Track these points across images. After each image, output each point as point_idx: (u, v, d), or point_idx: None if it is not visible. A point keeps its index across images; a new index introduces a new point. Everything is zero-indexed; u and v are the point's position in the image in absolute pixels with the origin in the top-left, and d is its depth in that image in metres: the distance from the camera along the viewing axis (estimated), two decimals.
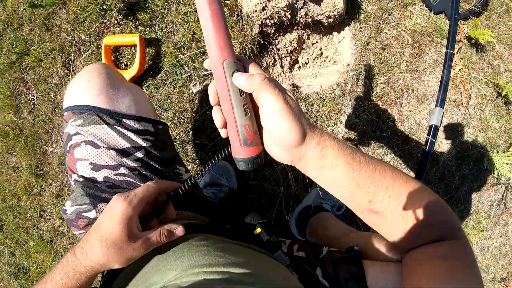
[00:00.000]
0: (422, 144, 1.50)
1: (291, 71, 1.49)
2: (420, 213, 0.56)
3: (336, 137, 0.59)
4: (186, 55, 1.34)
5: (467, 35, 1.50)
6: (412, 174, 1.49)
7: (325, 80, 1.48)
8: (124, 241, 0.59)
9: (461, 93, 1.51)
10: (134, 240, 0.60)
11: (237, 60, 0.56)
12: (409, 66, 1.46)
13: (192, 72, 1.35)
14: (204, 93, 1.36)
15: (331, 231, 1.13)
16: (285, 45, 1.42)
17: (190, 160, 1.39)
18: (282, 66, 1.48)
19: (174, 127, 1.38)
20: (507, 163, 1.51)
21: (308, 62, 1.49)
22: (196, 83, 1.35)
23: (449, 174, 1.55)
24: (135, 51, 1.32)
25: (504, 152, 1.56)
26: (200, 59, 1.34)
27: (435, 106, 1.50)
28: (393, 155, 1.48)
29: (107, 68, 0.79)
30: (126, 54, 1.39)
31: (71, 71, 1.42)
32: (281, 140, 0.55)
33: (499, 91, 1.52)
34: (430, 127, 1.49)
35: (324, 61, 1.50)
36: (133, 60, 1.37)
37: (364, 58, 1.43)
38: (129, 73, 1.33)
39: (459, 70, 1.50)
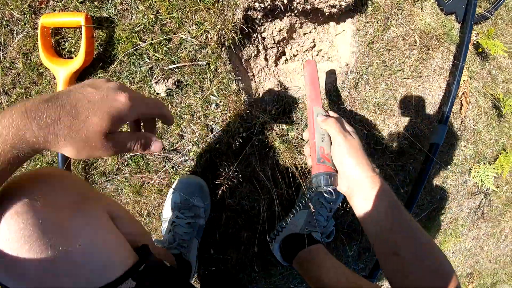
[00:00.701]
0: (418, 160, 1.34)
1: (276, 65, 1.22)
2: (436, 267, 0.65)
3: (383, 181, 0.74)
4: (147, 42, 1.02)
5: (475, 42, 1.32)
6: (404, 189, 1.35)
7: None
8: (100, 135, 0.49)
9: (461, 105, 1.34)
10: (109, 139, 0.50)
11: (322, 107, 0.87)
12: (413, 72, 1.25)
13: (154, 64, 1.04)
14: (168, 93, 1.06)
15: (324, 275, 0.99)
16: (272, 33, 1.14)
17: (152, 172, 1.11)
18: (266, 59, 1.20)
19: None
20: (493, 176, 1.41)
21: (297, 54, 1.23)
22: (159, 79, 1.04)
23: (437, 186, 1.42)
24: (81, 35, 0.97)
25: (490, 164, 1.47)
26: (165, 48, 1.02)
27: (438, 123, 1.33)
28: (385, 169, 1.31)
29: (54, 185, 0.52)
30: (70, 38, 1.04)
31: (1, 58, 1.04)
32: (343, 173, 0.76)
33: (496, 103, 1.40)
34: (431, 145, 1.33)
35: (317, 55, 1.24)
36: (78, 46, 1.02)
37: (367, 59, 1.19)
38: (73, 64, 0.99)
39: (463, 81, 1.32)
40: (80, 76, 1.04)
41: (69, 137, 0.46)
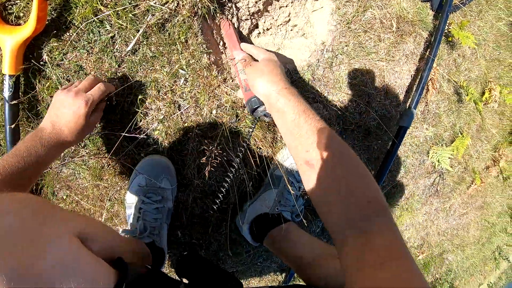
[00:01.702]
0: (383, 140, 1.33)
1: (248, 38, 1.12)
2: (353, 177, 0.60)
3: (296, 92, 0.78)
4: (109, 8, 0.87)
5: (446, 31, 1.31)
6: (369, 168, 1.35)
7: (291, 56, 1.15)
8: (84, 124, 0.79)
9: (428, 89, 1.34)
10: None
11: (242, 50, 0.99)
12: (387, 55, 1.22)
13: (116, 32, 0.90)
14: (131, 65, 0.93)
15: (300, 251, 0.98)
16: (248, 4, 1.03)
17: (112, 153, 0.99)
18: (239, 31, 1.09)
19: None
20: (449, 157, 1.45)
21: (271, 28, 1.13)
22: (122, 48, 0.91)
23: (396, 165, 1.45)
24: None
25: (447, 145, 1.52)
26: (131, 14, 0.89)
27: (408, 108, 1.32)
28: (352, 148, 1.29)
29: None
30: (18, 1, 0.86)
31: None
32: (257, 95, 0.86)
33: (458, 89, 1.42)
34: (400, 128, 1.32)
35: (291, 30, 1.15)
36: (28, 10, 0.85)
37: (343, 39, 1.13)
38: (22, 32, 0.83)
39: (432, 67, 1.31)
40: (30, 45, 0.87)
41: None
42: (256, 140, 1.09)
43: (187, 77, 0.97)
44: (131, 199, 1.00)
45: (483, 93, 1.57)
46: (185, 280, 0.84)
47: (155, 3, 0.89)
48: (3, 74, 0.86)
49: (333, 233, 0.60)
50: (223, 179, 1.10)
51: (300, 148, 0.68)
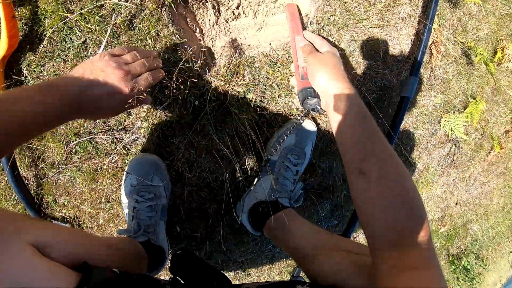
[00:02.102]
0: (387, 113, 1.25)
1: (227, 21, 1.08)
2: (402, 193, 0.59)
3: (357, 94, 0.72)
4: (75, 13, 0.86)
5: None
6: None
7: (275, 34, 1.10)
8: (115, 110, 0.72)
9: (432, 54, 1.24)
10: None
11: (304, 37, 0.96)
12: (380, 20, 1.13)
13: (87, 37, 0.90)
14: None
15: (297, 241, 0.94)
16: None
17: (103, 156, 1.00)
18: (216, 14, 1.05)
19: None
20: (463, 125, 1.35)
21: (250, 6, 1.08)
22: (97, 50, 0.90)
23: (407, 137, 1.36)
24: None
25: (459, 112, 1.40)
26: (97, 16, 0.88)
27: (409, 75, 1.23)
28: None
29: None
30: None
31: None
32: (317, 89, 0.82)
33: (466, 51, 1.30)
34: (402, 98, 1.24)
35: (273, 7, 1.09)
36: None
37: (328, 8, 1.06)
38: None
39: (433, 29, 1.20)
40: (9, 62, 0.90)
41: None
42: (246, 127, 1.06)
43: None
44: (125, 199, 1.01)
45: (495, 52, 1.43)
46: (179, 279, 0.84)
47: (119, 0, 0.88)
48: None
49: (372, 238, 0.63)
50: (216, 170, 1.08)
51: (356, 156, 0.65)
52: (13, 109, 0.56)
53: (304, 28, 0.99)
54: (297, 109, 1.10)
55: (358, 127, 0.67)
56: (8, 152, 0.63)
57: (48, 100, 0.60)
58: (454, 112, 1.42)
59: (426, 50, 1.27)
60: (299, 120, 1.06)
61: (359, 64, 1.18)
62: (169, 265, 0.93)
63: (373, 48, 1.19)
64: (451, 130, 1.38)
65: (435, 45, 1.29)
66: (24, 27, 0.88)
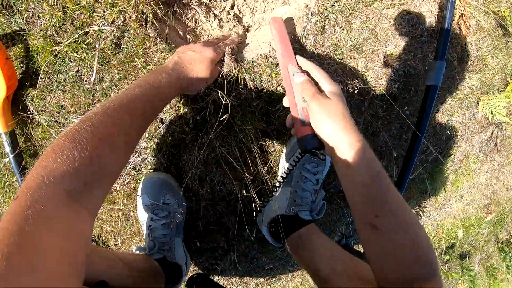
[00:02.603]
0: (414, 103, 1.04)
1: (221, 26, 0.95)
2: (414, 244, 0.57)
3: (368, 147, 0.62)
4: (62, 44, 0.80)
5: None
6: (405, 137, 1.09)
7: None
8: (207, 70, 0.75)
9: (460, 29, 1.00)
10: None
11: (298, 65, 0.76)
12: None
13: (79, 65, 0.83)
14: (103, 92, 0.85)
15: (318, 262, 0.84)
16: None
17: (117, 181, 0.93)
18: (208, 19, 0.93)
19: None
20: (504, 106, 1.09)
21: (246, 3, 0.94)
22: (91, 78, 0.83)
23: (441, 126, 1.13)
24: None
25: (499, 92, 1.13)
26: (84, 44, 0.80)
27: (434, 59, 1.01)
28: (378, 120, 1.04)
29: None
30: None
31: None
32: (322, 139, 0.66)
33: (500, 22, 1.04)
34: (428, 87, 1.02)
35: (271, 0, 0.94)
36: None
37: None
38: None
39: (459, 1, 0.97)
40: (14, 100, 0.86)
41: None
42: (252, 137, 0.93)
43: None
44: (142, 217, 0.95)
45: None
46: None
47: (102, 25, 0.79)
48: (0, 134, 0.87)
49: (382, 281, 0.61)
50: (229, 183, 0.97)
51: (368, 212, 0.60)
52: (157, 93, 0.65)
53: (293, 48, 0.79)
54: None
55: (371, 185, 0.60)
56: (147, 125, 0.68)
57: (172, 84, 0.68)
58: (493, 92, 1.16)
59: (453, 25, 1.04)
60: (294, 163, 0.87)
61: (376, 53, 0.99)
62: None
63: (391, 32, 0.99)
64: (491, 113, 1.13)
65: (463, 19, 1.04)
66: (21, 65, 0.84)
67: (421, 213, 1.15)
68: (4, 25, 0.81)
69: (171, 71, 0.68)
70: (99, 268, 0.58)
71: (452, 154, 1.21)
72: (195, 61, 0.72)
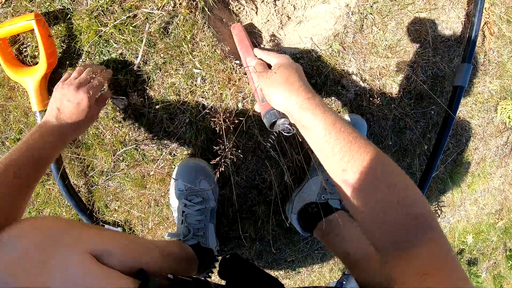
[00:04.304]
0: (439, 104, 1.04)
1: (267, 20, 0.94)
2: (397, 195, 0.48)
3: (321, 101, 0.59)
4: (109, 25, 0.77)
5: None
6: (429, 136, 1.08)
7: (316, 28, 0.94)
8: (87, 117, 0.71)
9: (484, 36, 1.01)
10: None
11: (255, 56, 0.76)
12: (426, 3, 0.94)
13: (123, 48, 0.80)
14: (147, 76, 0.82)
15: (347, 246, 0.80)
16: None
17: (150, 162, 0.91)
18: (256, 12, 0.91)
19: (120, 126, 0.87)
20: None
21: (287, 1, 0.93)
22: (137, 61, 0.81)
23: (461, 128, 1.14)
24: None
25: None
26: (131, 27, 0.78)
27: (462, 61, 1.02)
28: (405, 118, 1.03)
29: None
30: (30, 43, 0.82)
31: None
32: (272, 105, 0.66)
33: None
34: (455, 88, 1.02)
35: None
36: None
37: None
38: (38, 71, 0.78)
39: (484, 9, 0.98)
40: (51, 79, 0.83)
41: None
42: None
43: (203, 75, 0.84)
44: (175, 203, 0.92)
45: None
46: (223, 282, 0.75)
47: (152, 9, 0.77)
48: (33, 112, 0.83)
49: (376, 248, 0.53)
50: (263, 171, 0.95)
51: (336, 168, 0.54)
52: (27, 154, 0.61)
53: (253, 46, 0.80)
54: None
55: (329, 138, 0.54)
56: (29, 190, 0.63)
57: (47, 139, 0.65)
58: (511, 98, 1.17)
59: (479, 32, 1.05)
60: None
61: (408, 53, 0.99)
62: (218, 269, 0.82)
63: (422, 35, 0.99)
64: (509, 118, 1.13)
65: (487, 26, 1.05)
66: (62, 44, 0.81)
67: (439, 211, 1.14)
68: (48, 3, 0.78)
69: (52, 128, 0.66)
70: (136, 256, 0.55)
71: (470, 156, 1.21)
72: (73, 114, 0.69)
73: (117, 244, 0.52)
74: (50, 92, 0.83)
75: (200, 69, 0.83)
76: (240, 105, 0.86)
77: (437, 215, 1.23)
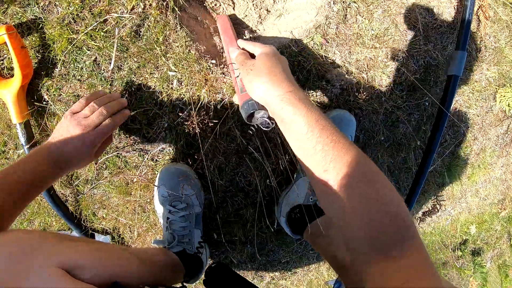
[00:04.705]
0: (434, 94, 0.99)
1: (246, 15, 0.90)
2: (378, 199, 0.46)
3: (304, 96, 0.56)
4: (80, 33, 0.74)
5: None
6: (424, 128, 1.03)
7: (297, 21, 0.90)
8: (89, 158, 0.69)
9: (479, 21, 0.95)
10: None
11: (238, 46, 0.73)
12: None
13: (97, 54, 0.77)
14: (122, 81, 0.80)
15: (335, 250, 0.77)
16: None
17: (132, 169, 0.89)
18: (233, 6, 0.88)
19: None
20: None
21: None
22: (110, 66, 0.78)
23: (459, 118, 1.08)
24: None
25: None
26: (102, 33, 0.75)
27: (455, 49, 0.96)
28: (397, 111, 0.99)
29: None
30: (6, 55, 0.80)
31: None
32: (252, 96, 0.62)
33: None
34: (449, 77, 0.97)
35: None
36: None
37: None
38: (15, 82, 0.76)
39: None
40: (29, 90, 0.81)
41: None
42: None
43: (179, 77, 0.81)
44: (160, 210, 0.89)
45: None
46: None
47: (122, 12, 0.74)
48: (14, 124, 0.81)
49: (355, 254, 0.50)
50: (248, 173, 0.92)
51: (317, 168, 0.51)
52: (14, 181, 0.59)
53: (237, 37, 0.77)
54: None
55: (310, 135, 0.52)
56: (15, 214, 0.62)
57: (38, 168, 0.62)
58: (510, 85, 1.10)
59: (473, 17, 0.98)
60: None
61: (397, 42, 0.94)
62: (204, 278, 0.80)
63: (411, 22, 0.94)
64: (509, 106, 1.07)
65: (482, 10, 0.99)
66: (37, 54, 0.78)
67: (438, 206, 1.09)
68: (20, 14, 0.76)
69: (53, 157, 0.64)
70: (111, 268, 0.53)
71: (469, 147, 1.15)
72: (77, 151, 0.66)
73: (90, 257, 0.50)
74: (29, 103, 0.81)
75: (175, 71, 0.80)
76: (218, 106, 0.83)
77: (436, 210, 1.18)
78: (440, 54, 0.99)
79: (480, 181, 1.30)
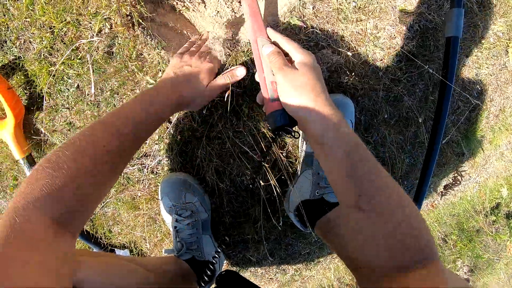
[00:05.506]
0: (435, 60, 0.90)
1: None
2: (406, 226, 0.47)
3: (343, 119, 0.54)
4: (57, 63, 0.75)
5: None
6: (429, 101, 0.94)
7: (270, 8, 0.84)
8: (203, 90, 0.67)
9: None
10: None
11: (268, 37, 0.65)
12: None
13: (78, 81, 0.77)
14: (104, 100, 0.80)
15: (348, 251, 0.69)
16: None
17: (135, 184, 0.89)
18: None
19: None
20: None
21: None
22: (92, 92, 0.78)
23: (469, 82, 0.97)
24: None
25: None
26: (77, 59, 0.75)
27: (450, 7, 0.85)
28: (399, 86, 0.91)
29: None
30: None
31: None
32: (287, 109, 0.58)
33: None
34: (448, 39, 0.87)
35: None
36: None
37: None
38: (8, 124, 0.79)
39: None
40: (26, 125, 0.84)
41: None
42: (264, 124, 0.84)
43: None
44: (168, 219, 0.90)
45: None
46: None
47: (91, 36, 0.73)
48: (17, 160, 0.84)
49: (376, 269, 0.50)
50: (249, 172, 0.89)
51: (351, 192, 0.51)
52: (150, 110, 0.60)
53: (266, 25, 0.68)
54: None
55: (348, 161, 0.51)
56: (137, 148, 0.62)
57: (166, 102, 0.62)
58: None
59: None
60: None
61: (384, 10, 0.85)
62: (214, 286, 0.79)
63: None
64: None
65: None
66: (25, 91, 0.80)
67: (459, 177, 1.00)
68: (1, 57, 0.78)
69: (168, 89, 0.63)
70: (118, 280, 0.54)
71: (486, 110, 1.03)
72: (194, 77, 0.65)
73: (97, 271, 0.51)
74: (27, 138, 0.84)
75: (153, 82, 0.78)
76: (204, 111, 0.80)
77: (458, 182, 1.08)
78: (437, 14, 0.88)
79: (503, 144, 1.17)
